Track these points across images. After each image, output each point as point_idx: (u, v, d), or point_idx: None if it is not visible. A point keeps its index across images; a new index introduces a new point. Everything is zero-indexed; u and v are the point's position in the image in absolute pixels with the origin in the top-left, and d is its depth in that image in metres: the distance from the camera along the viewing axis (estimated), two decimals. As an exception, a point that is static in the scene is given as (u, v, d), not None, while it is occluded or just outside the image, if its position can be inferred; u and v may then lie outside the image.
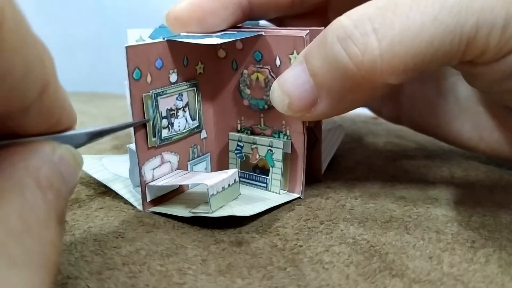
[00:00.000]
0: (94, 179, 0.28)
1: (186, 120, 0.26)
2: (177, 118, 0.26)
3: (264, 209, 0.24)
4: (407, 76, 0.21)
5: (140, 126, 0.24)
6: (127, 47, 0.22)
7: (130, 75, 0.23)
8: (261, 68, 0.25)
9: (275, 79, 0.25)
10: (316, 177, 0.28)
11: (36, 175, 0.15)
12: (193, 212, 0.24)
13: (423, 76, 0.29)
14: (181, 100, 0.26)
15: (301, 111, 0.23)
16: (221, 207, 0.24)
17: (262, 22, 0.30)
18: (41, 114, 0.16)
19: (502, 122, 0.26)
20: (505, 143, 0.26)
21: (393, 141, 0.37)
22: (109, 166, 0.29)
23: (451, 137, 0.29)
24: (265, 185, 0.27)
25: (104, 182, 0.27)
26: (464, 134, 0.28)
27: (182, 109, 0.26)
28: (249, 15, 0.26)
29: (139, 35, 0.28)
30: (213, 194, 0.24)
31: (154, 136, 0.24)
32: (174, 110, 0.25)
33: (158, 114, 0.24)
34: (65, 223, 0.17)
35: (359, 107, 0.25)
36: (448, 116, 0.28)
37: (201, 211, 0.24)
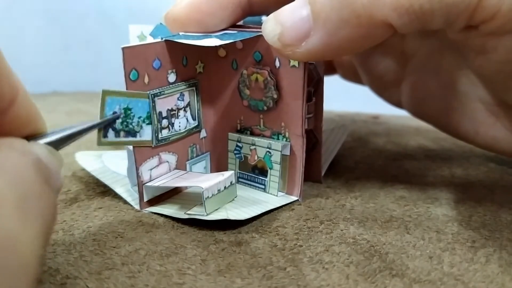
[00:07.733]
0: (93, 178, 0.28)
1: (187, 120, 0.26)
2: (177, 118, 0.26)
3: (259, 212, 0.24)
4: (409, 20, 0.20)
5: None
6: (123, 48, 0.22)
7: (126, 76, 0.23)
8: (260, 69, 0.25)
9: (274, 81, 0.25)
10: (316, 179, 0.28)
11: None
12: (188, 214, 0.24)
13: (425, 66, 0.29)
14: (182, 100, 0.26)
15: (291, 44, 0.22)
16: (216, 209, 0.24)
17: (265, 18, 0.29)
18: (13, 119, 0.17)
19: (499, 120, 0.26)
20: (500, 140, 0.26)
21: (393, 141, 0.37)
22: (109, 164, 0.29)
23: (448, 128, 0.29)
24: (263, 186, 0.27)
25: (103, 180, 0.27)
26: (460, 127, 0.28)
27: (183, 109, 0.26)
28: (249, 12, 0.26)
29: (140, 31, 0.27)
30: (208, 196, 0.23)
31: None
32: (175, 110, 0.25)
33: (155, 115, 0.24)
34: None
35: (350, 52, 0.24)
36: (445, 109, 0.28)
37: (196, 213, 0.24)
